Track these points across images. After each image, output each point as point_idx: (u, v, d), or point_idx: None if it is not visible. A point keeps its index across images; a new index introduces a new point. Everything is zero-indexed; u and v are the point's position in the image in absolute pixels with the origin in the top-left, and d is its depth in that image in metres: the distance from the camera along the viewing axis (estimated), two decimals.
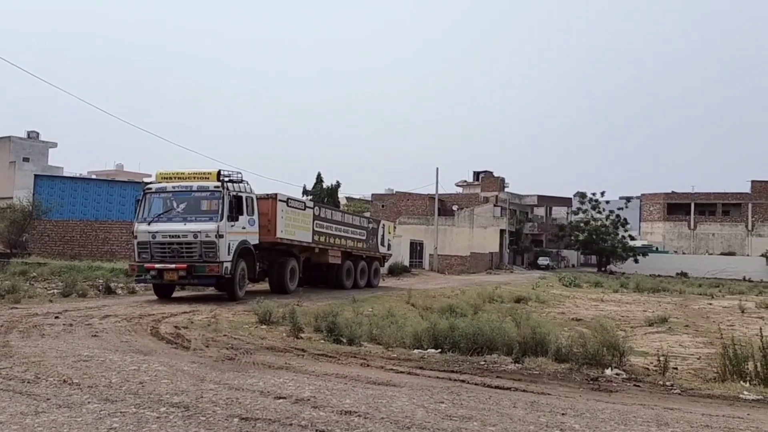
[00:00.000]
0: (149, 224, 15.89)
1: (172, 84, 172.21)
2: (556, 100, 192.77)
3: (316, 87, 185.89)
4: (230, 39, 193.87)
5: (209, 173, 16.50)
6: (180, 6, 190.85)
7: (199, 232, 15.48)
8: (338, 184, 55.07)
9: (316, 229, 20.61)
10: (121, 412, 5.13)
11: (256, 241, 17.30)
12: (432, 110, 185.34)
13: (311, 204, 22.11)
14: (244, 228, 16.61)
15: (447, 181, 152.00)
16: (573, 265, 69.85)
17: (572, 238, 64.10)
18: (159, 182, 16.94)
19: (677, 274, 55.03)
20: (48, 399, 5.46)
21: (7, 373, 6.42)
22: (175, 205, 16.14)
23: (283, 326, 11.34)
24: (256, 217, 17.25)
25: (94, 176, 62.26)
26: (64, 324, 10.41)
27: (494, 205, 60.03)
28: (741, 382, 7.67)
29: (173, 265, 15.38)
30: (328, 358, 8.35)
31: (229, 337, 9.94)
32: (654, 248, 67.35)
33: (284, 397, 5.84)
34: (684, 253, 67.26)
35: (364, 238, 24.56)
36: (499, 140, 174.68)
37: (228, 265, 15.68)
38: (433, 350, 9.63)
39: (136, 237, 16.21)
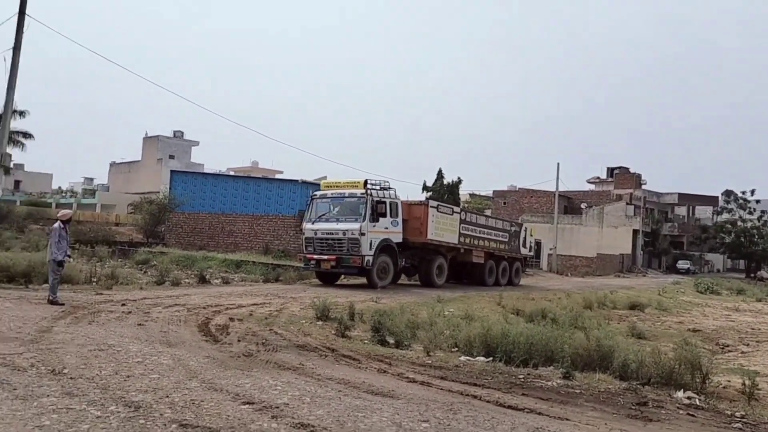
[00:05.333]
0: (313, 224, 19.61)
1: (298, 90, 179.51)
2: (702, 93, 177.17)
3: (442, 84, 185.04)
4: (366, 50, 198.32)
5: (358, 183, 19.60)
6: (326, 23, 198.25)
7: (347, 230, 18.64)
8: (459, 181, 54.05)
9: (462, 231, 22.64)
10: (68, 408, 4.91)
11: (399, 240, 19.89)
12: (562, 104, 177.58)
13: (458, 209, 24.26)
14: (386, 228, 19.33)
15: (578, 177, 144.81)
16: (718, 270, 63.62)
17: (717, 240, 58.27)
18: (322, 190, 20.77)
19: None
20: (15, 389, 5.39)
21: (9, 359, 6.51)
22: (332, 208, 19.70)
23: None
24: (399, 219, 19.93)
25: (232, 172, 65.98)
26: (123, 312, 10.71)
27: (627, 204, 55.87)
28: None
29: (327, 257, 18.80)
30: (351, 361, 7.79)
31: (273, 332, 9.68)
32: None
33: (253, 403, 5.37)
34: None
35: (506, 240, 26.06)
36: (637, 135, 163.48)
37: (369, 258, 18.48)
38: (482, 358, 8.75)
39: (303, 233, 20.10)
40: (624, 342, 9.08)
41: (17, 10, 15.45)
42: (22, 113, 44.00)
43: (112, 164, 76.19)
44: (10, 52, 15.49)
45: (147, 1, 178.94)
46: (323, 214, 19.63)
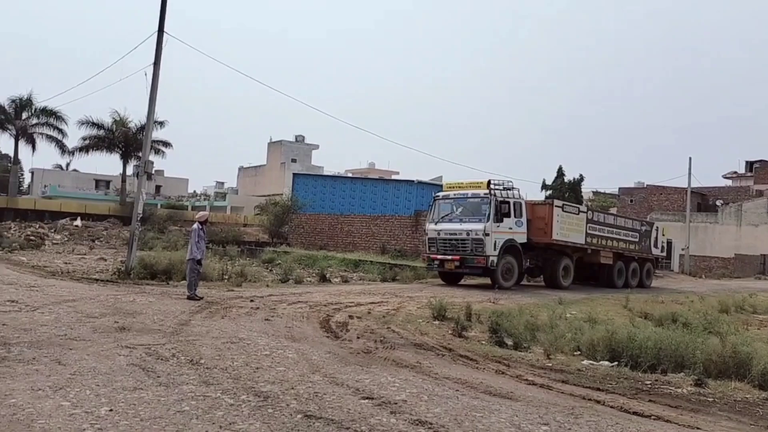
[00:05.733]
0: (435, 224, 19.80)
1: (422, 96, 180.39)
2: None
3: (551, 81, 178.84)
4: (482, 48, 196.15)
5: (481, 183, 19.67)
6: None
7: (471, 230, 18.75)
8: (581, 178, 52.01)
9: (588, 231, 22.09)
10: (204, 396, 5.31)
11: (523, 240, 19.66)
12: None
13: (584, 208, 23.68)
14: (510, 228, 19.22)
15: (712, 173, 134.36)
16: None
17: None
18: (445, 191, 20.88)
19: None
20: (159, 377, 5.90)
21: (153, 349, 7.12)
22: (455, 209, 19.72)
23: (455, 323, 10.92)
24: (524, 219, 19.71)
25: (350, 174, 67.74)
26: (251, 307, 11.35)
27: None
28: None
29: (450, 257, 18.94)
30: (468, 361, 7.78)
31: (390, 330, 9.86)
32: None
33: (372, 398, 5.52)
34: None
35: (636, 240, 25.13)
36: None
37: (493, 258, 18.48)
38: (606, 362, 8.43)
39: (426, 234, 20.35)
40: (764, 349, 8.37)
41: (156, 28, 16.83)
42: (161, 123, 47.83)
43: (241, 169, 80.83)
44: (151, 68, 16.87)
45: (265, 16, 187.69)
46: (446, 215, 19.77)
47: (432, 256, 19.66)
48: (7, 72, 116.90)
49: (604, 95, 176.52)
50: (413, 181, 35.82)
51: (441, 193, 20.85)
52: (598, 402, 5.98)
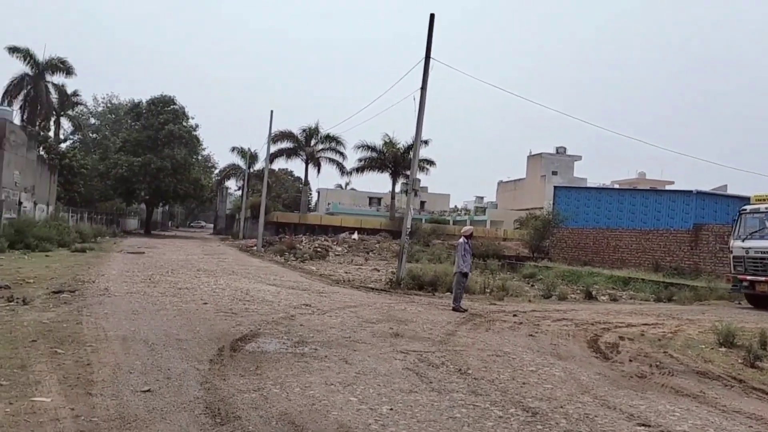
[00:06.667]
0: (743, 241, 17.92)
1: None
2: None
3: None
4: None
5: None
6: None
7: None
8: None
9: None
10: (474, 405, 5.48)
11: None
12: None
13: None
14: None
15: None
16: None
17: None
18: (753, 204, 18.63)
19: None
20: (431, 382, 6.25)
21: (424, 356, 7.56)
22: (766, 224, 17.67)
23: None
24: None
25: (616, 185, 64.05)
26: (515, 322, 11.37)
27: None
28: None
29: (762, 278, 17.04)
30: (763, 395, 6.78)
31: (667, 355, 9.07)
32: None
33: (649, 426, 5.17)
34: None
35: None
36: None
37: None
38: None
39: (731, 252, 18.48)
40: None
41: (423, 54, 17.98)
42: (425, 142, 50.81)
43: (500, 183, 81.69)
44: (419, 92, 18.04)
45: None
46: (756, 230, 17.75)
47: (741, 276, 17.66)
48: (297, 102, 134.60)
49: None
50: (691, 191, 32.56)
51: (749, 207, 18.73)
52: None
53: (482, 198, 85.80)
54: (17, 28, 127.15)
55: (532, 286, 21.39)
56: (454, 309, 12.59)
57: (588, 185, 58.76)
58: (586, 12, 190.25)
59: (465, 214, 74.23)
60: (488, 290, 16.98)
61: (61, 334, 7.59)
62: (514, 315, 12.37)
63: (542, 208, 50.08)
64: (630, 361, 8.40)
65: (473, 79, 67.18)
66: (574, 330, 10.97)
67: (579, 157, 73.27)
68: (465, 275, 13.00)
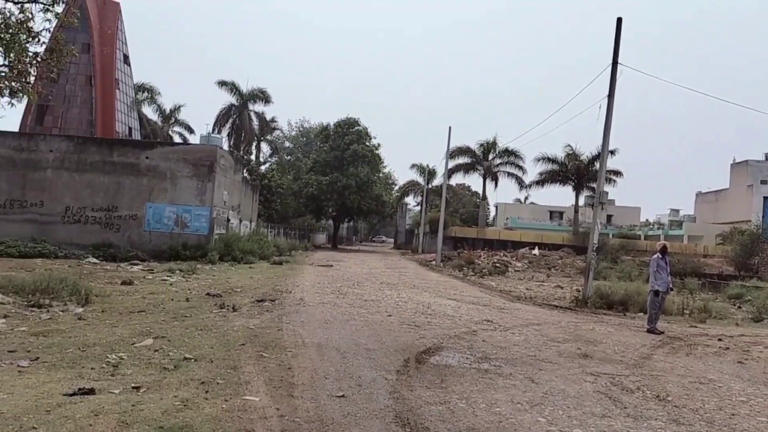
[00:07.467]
0: None
1: None
2: None
3: None
4: None
5: None
6: None
7: None
8: None
9: None
10: None
11: None
12: None
13: None
14: None
15: None
16: None
17: None
18: None
19: None
20: (625, 407, 5.88)
21: (617, 380, 7.13)
22: None
23: None
24: None
25: None
26: (720, 347, 10.29)
27: None
28: None
29: None
30: None
31: None
32: None
33: None
34: None
35: None
36: None
37: None
38: None
39: None
40: None
41: (611, 60, 17.11)
42: (612, 152, 48.10)
43: (698, 194, 74.77)
44: (605, 99, 17.18)
45: None
46: None
47: None
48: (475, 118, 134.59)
49: None
50: None
51: None
52: None
53: (678, 211, 79.07)
54: (223, 60, 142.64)
55: (739, 307, 19.20)
56: (648, 331, 11.73)
57: None
58: None
59: (658, 228, 68.94)
60: (687, 311, 15.55)
61: (265, 339, 8.32)
62: (719, 339, 11.20)
63: (749, 221, 44.98)
64: None
65: (661, 84, 62.38)
66: None
67: None
68: (658, 294, 12.05)
